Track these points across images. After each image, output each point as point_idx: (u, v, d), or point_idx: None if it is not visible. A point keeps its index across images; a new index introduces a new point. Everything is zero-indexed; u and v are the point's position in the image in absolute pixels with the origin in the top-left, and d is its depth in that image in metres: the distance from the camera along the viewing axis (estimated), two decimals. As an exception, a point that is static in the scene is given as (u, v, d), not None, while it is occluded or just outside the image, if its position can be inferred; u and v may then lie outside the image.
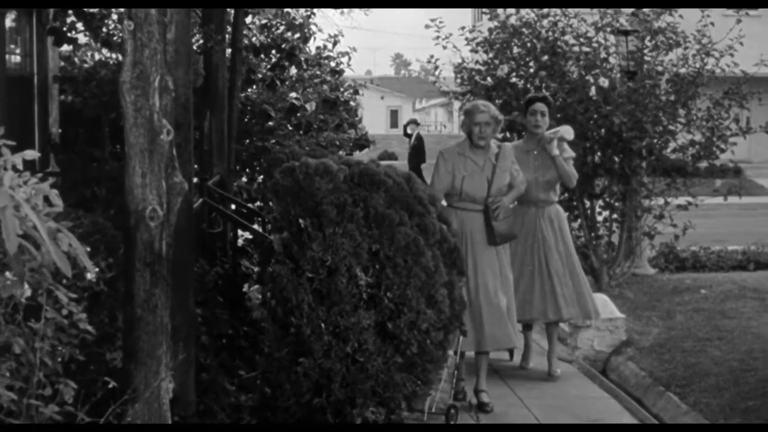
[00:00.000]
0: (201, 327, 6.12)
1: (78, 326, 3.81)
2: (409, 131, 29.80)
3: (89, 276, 4.62)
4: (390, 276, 5.63)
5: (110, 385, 4.05)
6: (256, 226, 8.59)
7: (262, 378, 5.87)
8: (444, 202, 7.43)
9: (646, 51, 11.93)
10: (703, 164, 12.05)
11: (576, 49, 11.81)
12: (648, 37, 11.98)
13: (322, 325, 5.55)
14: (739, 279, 12.04)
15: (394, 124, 70.95)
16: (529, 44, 11.90)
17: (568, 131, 8.57)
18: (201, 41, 9.33)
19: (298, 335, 5.59)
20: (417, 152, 28.37)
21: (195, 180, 9.64)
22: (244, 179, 10.85)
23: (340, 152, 11.46)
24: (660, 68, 11.84)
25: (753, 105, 12.28)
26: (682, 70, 11.81)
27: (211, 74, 8.95)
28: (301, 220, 5.65)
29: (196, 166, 9.78)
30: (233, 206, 9.01)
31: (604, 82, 11.32)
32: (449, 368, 6.94)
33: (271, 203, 5.79)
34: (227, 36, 9.43)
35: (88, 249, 4.78)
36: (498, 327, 7.45)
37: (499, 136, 11.83)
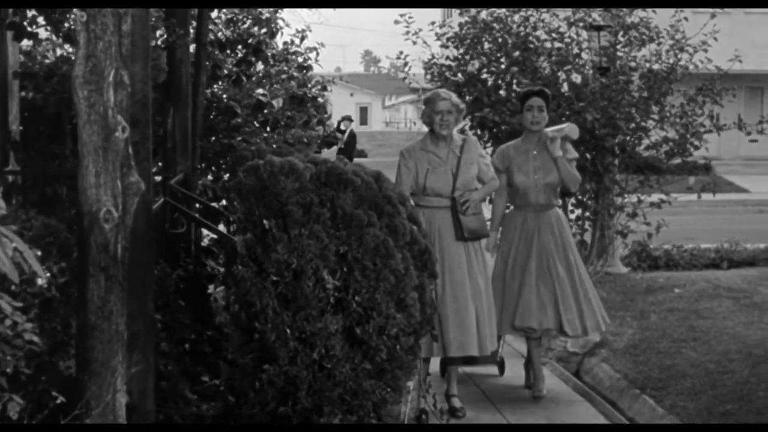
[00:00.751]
0: (161, 333, 5.87)
1: (23, 336, 3.56)
2: (342, 127, 29.61)
3: (40, 281, 4.38)
4: (358, 279, 5.40)
5: (58, 401, 3.81)
6: (221, 226, 8.36)
7: (226, 385, 5.63)
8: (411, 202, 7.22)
9: (619, 47, 11.76)
10: (677, 161, 11.88)
11: (548, 44, 11.61)
12: (621, 33, 11.81)
13: (288, 330, 5.31)
14: (713, 278, 11.89)
15: (363, 121, 70.78)
16: (500, 39, 11.69)
17: (573, 130, 7.96)
18: (165, 36, 9.08)
19: (263, 341, 5.36)
20: (347, 148, 28.24)
21: (158, 178, 9.43)
22: (210, 177, 10.61)
23: (320, 149, 11.26)
24: (633, 64, 11.67)
25: (723, 102, 12.13)
26: (656, 66, 11.64)
27: (174, 70, 8.70)
28: (265, 221, 5.41)
29: (160, 164, 9.59)
30: (198, 205, 8.77)
31: (577, 78, 11.14)
32: (419, 373, 6.73)
33: (234, 203, 5.54)
34: (191, 30, 9.19)
35: (39, 253, 4.55)
36: (461, 331, 7.22)
37: (470, 132, 11.74)
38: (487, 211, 8.29)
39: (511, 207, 8.01)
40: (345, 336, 5.43)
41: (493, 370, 8.42)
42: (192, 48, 9.30)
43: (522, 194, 7.79)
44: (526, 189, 7.74)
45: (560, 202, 8.17)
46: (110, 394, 4.27)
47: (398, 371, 5.62)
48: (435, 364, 7.67)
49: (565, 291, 7.67)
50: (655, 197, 11.88)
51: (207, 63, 10.02)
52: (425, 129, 7.63)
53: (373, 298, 5.42)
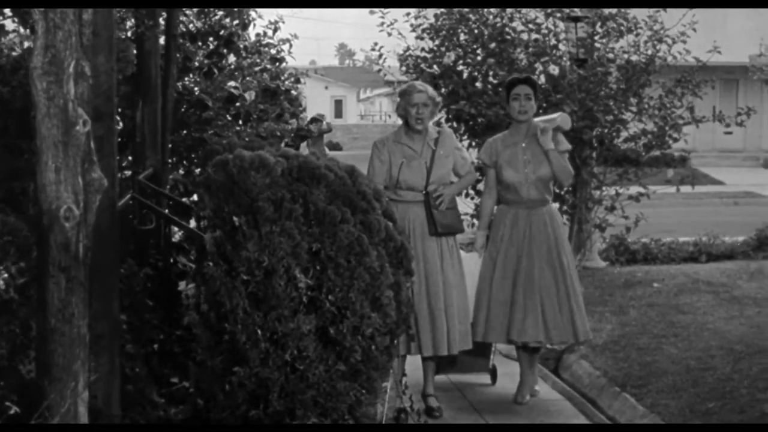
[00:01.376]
0: (127, 334, 5.67)
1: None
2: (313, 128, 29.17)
3: (-3, 282, 4.19)
4: (332, 277, 5.21)
5: (12, 411, 3.62)
6: (193, 222, 8.15)
7: (195, 388, 5.44)
8: None
9: (596, 38, 11.60)
10: (655, 154, 11.74)
11: (525, 36, 11.44)
12: (599, 24, 11.65)
13: (259, 331, 5.12)
14: (692, 271, 11.75)
15: (338, 114, 70.66)
16: (476, 31, 11.51)
17: (565, 120, 7.50)
18: (134, 27, 8.86)
19: (233, 342, 5.17)
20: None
21: (128, 173, 9.21)
22: (181, 172, 10.39)
23: (286, 142, 11.06)
24: (611, 55, 11.51)
25: (701, 93, 11.99)
26: (634, 57, 11.49)
27: (143, 62, 8.47)
28: (235, 218, 5.21)
29: (130, 158, 9.37)
30: (169, 201, 8.57)
31: (554, 70, 10.97)
32: (395, 373, 6.56)
33: (203, 199, 5.34)
34: (161, 22, 8.96)
35: (-3, 252, 4.35)
36: (433, 330, 7.05)
37: (446, 125, 11.56)
38: (464, 205, 8.12)
39: (501, 204, 7.59)
40: (318, 336, 5.24)
41: (486, 378, 8.13)
42: (162, 40, 9.09)
43: (512, 190, 7.39)
44: (516, 184, 7.35)
45: (552, 197, 7.70)
46: (71, 399, 4.09)
47: (373, 372, 5.44)
48: (411, 361, 7.47)
49: (551, 300, 7.29)
50: (634, 190, 11.74)
51: (177, 55, 9.80)
52: (400, 122, 7.44)
53: (347, 297, 5.23)
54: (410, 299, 5.76)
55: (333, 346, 5.28)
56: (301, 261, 5.17)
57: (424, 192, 7.15)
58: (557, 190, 11.37)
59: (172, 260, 8.54)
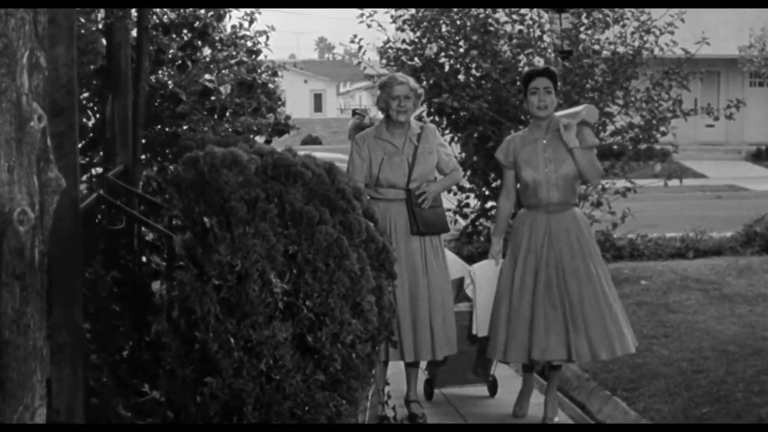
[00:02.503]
0: (92, 343, 5.34)
1: None
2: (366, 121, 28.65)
3: (-55, 292, 3.85)
4: (309, 282, 4.89)
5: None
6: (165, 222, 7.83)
7: (165, 399, 5.12)
8: None
9: (582, 29, 11.31)
10: (642, 147, 11.47)
11: (508, 27, 11.15)
12: (584, 14, 11.36)
13: (232, 339, 4.79)
14: (680, 268, 11.49)
15: (318, 108, 70.45)
16: (458, 22, 11.23)
17: (591, 112, 6.87)
18: (104, 18, 8.54)
19: (204, 351, 4.84)
20: None
21: (98, 170, 8.89)
22: (155, 168, 10.07)
23: (259, 138, 10.74)
24: (597, 47, 11.23)
25: (689, 85, 11.73)
26: (621, 49, 11.21)
27: (112, 54, 8.15)
28: (206, 219, 4.89)
29: (101, 154, 9.05)
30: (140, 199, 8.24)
31: (539, 62, 10.67)
32: (377, 380, 6.26)
33: (173, 199, 5.03)
34: (132, 12, 8.64)
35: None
36: (416, 335, 6.75)
37: (428, 119, 11.28)
38: (446, 201, 7.80)
39: (522, 209, 7.01)
40: (295, 344, 4.92)
41: (484, 391, 7.68)
42: (134, 31, 8.77)
43: (531, 192, 6.75)
44: (537, 185, 6.70)
45: (576, 200, 7.06)
46: (28, 416, 3.77)
47: (354, 382, 5.12)
48: (393, 367, 7.16)
49: (576, 314, 6.62)
50: (620, 185, 11.48)
51: (150, 47, 9.49)
52: (380, 115, 7.13)
53: (326, 303, 4.91)
54: (393, 304, 5.43)
55: (311, 354, 4.96)
56: (276, 264, 4.84)
57: (405, 189, 6.84)
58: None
59: (145, 259, 8.23)
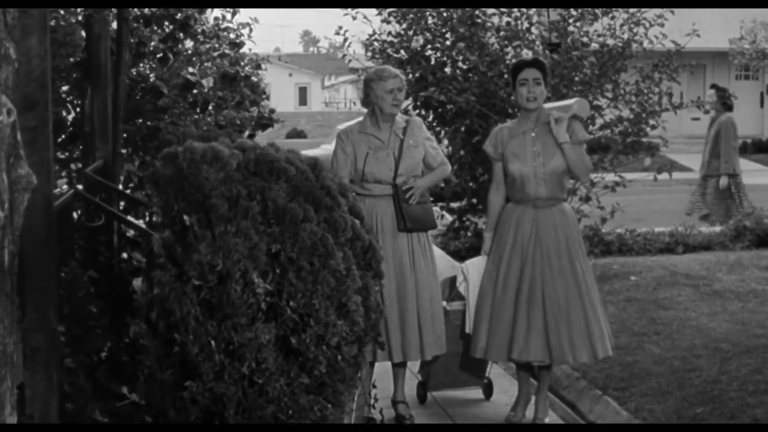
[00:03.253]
0: (67, 346, 5.15)
1: None
2: None
3: None
4: (293, 282, 4.71)
5: None
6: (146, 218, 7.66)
7: (145, 404, 4.94)
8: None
9: (571, 20, 11.14)
10: (630, 140, 11.31)
11: (495, 19, 10.98)
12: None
13: (212, 342, 4.62)
14: (669, 263, 11.34)
15: (302, 101, 70.27)
16: (445, 14, 11.04)
17: (583, 106, 6.67)
18: (84, 10, 8.35)
19: (184, 354, 4.66)
20: None
21: (79, 166, 8.69)
22: (137, 163, 9.87)
23: (246, 132, 10.56)
24: (586, 39, 11.06)
25: (679, 78, 11.58)
26: (610, 41, 11.05)
27: (92, 46, 7.95)
28: (185, 217, 4.71)
29: (81, 147, 8.85)
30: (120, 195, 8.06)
31: (527, 55, 10.50)
32: (363, 381, 6.08)
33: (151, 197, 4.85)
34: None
35: None
36: (403, 334, 6.58)
37: (414, 113, 11.11)
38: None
39: (509, 203, 6.78)
40: (278, 347, 4.74)
41: (479, 393, 7.46)
42: (115, 23, 8.58)
43: (519, 186, 6.57)
44: (524, 179, 6.52)
45: (565, 196, 6.83)
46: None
47: (340, 385, 4.95)
48: (380, 366, 6.98)
49: (560, 314, 6.44)
50: (608, 179, 11.32)
51: (132, 40, 9.29)
52: (364, 109, 6.94)
53: (311, 304, 4.73)
54: (380, 304, 5.24)
55: (295, 357, 4.78)
56: (258, 264, 4.66)
57: (392, 185, 6.66)
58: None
59: (127, 256, 8.05)
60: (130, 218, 8.05)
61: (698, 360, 7.61)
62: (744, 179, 14.45)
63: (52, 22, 8.22)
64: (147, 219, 8.16)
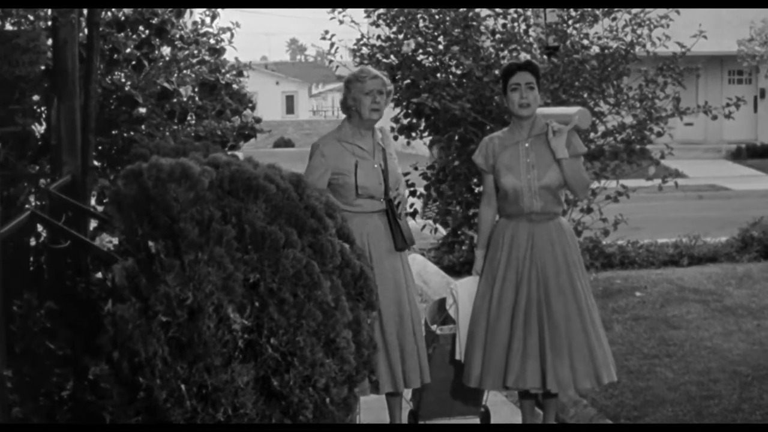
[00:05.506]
0: (16, 393, 4.56)
1: None
2: None
3: None
4: (274, 317, 4.13)
5: None
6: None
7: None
8: None
9: (570, 22, 10.59)
10: (637, 148, 10.77)
11: (490, 21, 10.43)
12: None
13: (183, 386, 4.05)
14: (675, 277, 10.83)
15: (290, 110, 69.88)
16: (437, 16, 10.49)
17: (584, 117, 6.03)
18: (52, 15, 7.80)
19: (151, 399, 4.09)
20: None
21: (47, 181, 8.11)
22: (113, 177, 9.28)
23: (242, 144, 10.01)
24: (586, 42, 10.51)
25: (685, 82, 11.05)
26: (612, 44, 10.50)
27: (58, 52, 7.37)
28: (150, 243, 4.13)
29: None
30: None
31: (525, 58, 9.93)
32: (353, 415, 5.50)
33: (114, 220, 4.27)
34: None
35: None
36: (401, 362, 6.02)
37: (405, 121, 10.56)
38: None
39: (501, 217, 6.19)
40: (258, 390, 4.17)
41: (475, 421, 6.80)
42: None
43: (512, 200, 5.99)
44: (517, 193, 5.94)
45: (562, 209, 6.31)
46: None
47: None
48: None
49: (560, 340, 5.86)
50: (610, 189, 10.78)
51: (106, 46, 8.73)
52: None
53: (294, 341, 4.15)
54: (372, 339, 4.65)
55: (277, 401, 4.21)
56: (234, 296, 4.09)
57: (384, 200, 6.08)
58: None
59: (102, 275, 7.46)
60: (107, 238, 7.49)
61: (716, 385, 7.08)
62: (737, 185, 14.01)
63: (14, 27, 7.68)
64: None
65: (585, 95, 10.26)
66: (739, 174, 30.33)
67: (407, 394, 6.66)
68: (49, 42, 7.69)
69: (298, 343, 4.16)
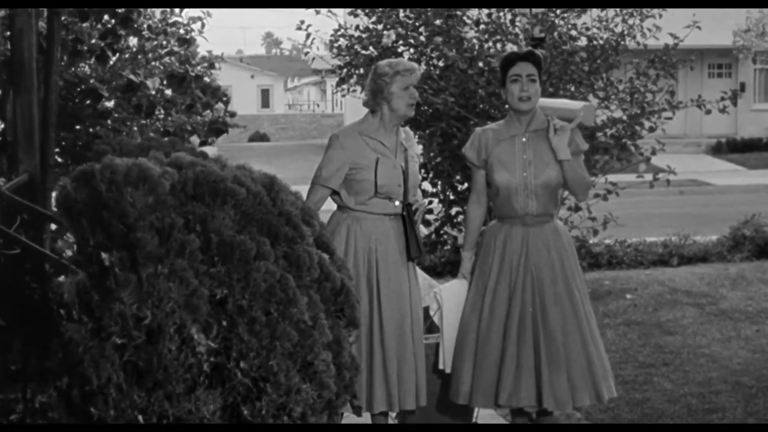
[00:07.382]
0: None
1: None
2: None
3: None
4: (244, 337, 3.67)
5: None
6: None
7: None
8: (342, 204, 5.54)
9: (557, 11, 10.15)
10: (629, 143, 10.36)
11: (474, 11, 9.97)
12: (559, -4, 10.23)
13: (140, 416, 3.59)
14: (666, 278, 10.43)
15: (265, 103, 69.41)
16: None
17: (589, 113, 5.56)
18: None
19: None
20: None
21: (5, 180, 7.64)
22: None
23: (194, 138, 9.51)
24: (574, 33, 10.07)
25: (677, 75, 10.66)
26: (603, 35, 10.08)
27: (14, 42, 6.90)
28: (104, 255, 3.66)
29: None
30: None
31: (512, 49, 9.49)
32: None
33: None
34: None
35: None
36: (398, 380, 5.54)
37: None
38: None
39: (493, 219, 5.79)
40: (228, 418, 3.71)
41: None
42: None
43: (504, 200, 5.53)
44: (511, 192, 5.45)
45: (558, 211, 5.86)
46: None
47: (306, 463, 3.91)
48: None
49: (557, 354, 5.37)
50: (599, 186, 10.35)
51: (68, 36, 8.24)
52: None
53: (267, 365, 3.68)
54: (355, 359, 4.18)
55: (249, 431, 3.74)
56: (199, 315, 3.62)
57: (401, 203, 5.57)
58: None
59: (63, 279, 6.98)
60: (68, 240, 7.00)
61: (718, 397, 6.68)
62: (718, 180, 13.69)
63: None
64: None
65: (573, 88, 9.82)
66: (719, 169, 30.06)
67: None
68: (8, 33, 7.26)
69: (271, 368, 3.69)
